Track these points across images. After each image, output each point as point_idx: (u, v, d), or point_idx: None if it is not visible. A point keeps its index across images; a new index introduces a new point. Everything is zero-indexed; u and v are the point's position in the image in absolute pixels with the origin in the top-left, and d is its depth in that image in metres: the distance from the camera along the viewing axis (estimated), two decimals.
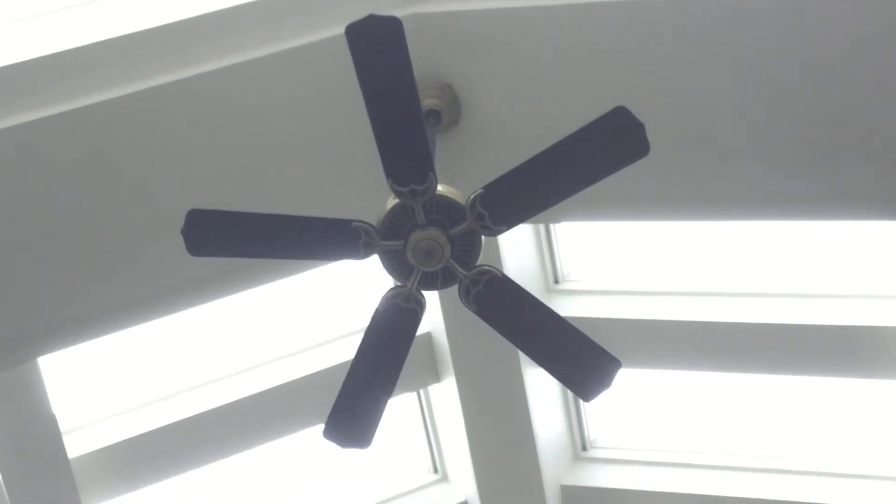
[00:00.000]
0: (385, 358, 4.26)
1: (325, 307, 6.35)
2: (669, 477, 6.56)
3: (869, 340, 5.71)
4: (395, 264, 4.19)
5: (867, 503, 6.14)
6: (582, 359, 4.27)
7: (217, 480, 6.54)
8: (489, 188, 4.02)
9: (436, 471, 6.91)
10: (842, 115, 4.77)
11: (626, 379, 6.31)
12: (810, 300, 5.86)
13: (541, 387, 6.32)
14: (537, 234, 6.11)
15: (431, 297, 5.91)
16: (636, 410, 6.73)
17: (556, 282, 6.27)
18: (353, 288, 6.30)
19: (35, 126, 4.79)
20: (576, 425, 6.69)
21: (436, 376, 6.37)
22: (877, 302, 5.74)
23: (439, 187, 4.05)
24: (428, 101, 5.02)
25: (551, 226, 6.08)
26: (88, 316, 5.29)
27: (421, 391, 6.62)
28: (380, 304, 4.22)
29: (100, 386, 6.15)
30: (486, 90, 5.10)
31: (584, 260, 6.27)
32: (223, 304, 5.74)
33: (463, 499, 6.73)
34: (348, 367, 4.36)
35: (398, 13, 4.11)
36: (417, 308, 4.22)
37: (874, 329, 5.66)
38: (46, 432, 5.70)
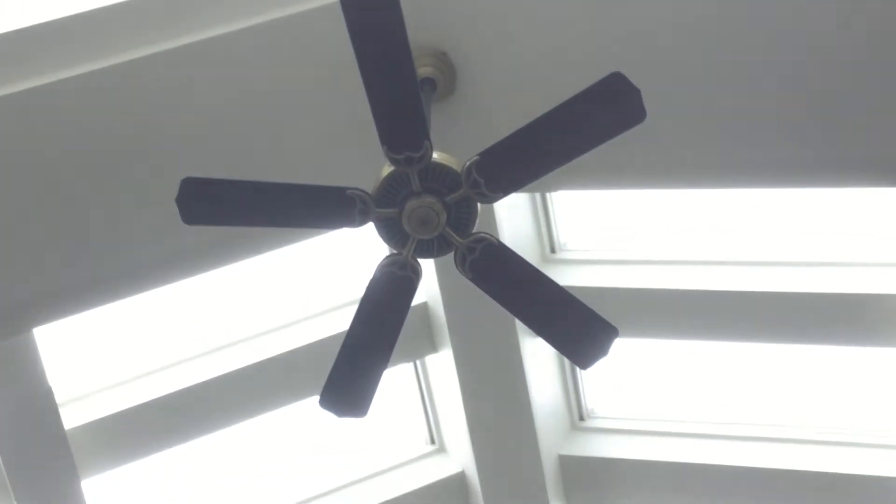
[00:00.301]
0: (381, 326, 4.25)
1: (321, 277, 6.34)
2: (667, 447, 6.57)
3: (869, 308, 5.72)
4: (390, 232, 4.17)
5: (865, 471, 6.14)
6: (579, 327, 4.26)
7: (213, 451, 6.54)
8: (484, 155, 4.00)
9: (433, 441, 6.91)
10: (844, 82, 4.76)
11: (623, 349, 6.32)
12: (809, 268, 5.86)
13: (538, 357, 6.31)
14: (534, 203, 6.09)
15: (428, 268, 5.90)
16: (633, 380, 6.72)
17: (553, 251, 6.26)
18: (350, 258, 6.28)
19: (30, 95, 4.77)
20: (573, 395, 6.69)
21: (432, 346, 6.36)
22: (877, 270, 5.73)
23: (435, 154, 4.03)
24: (423, 70, 5.00)
25: (548, 195, 6.06)
26: (84, 286, 5.28)
27: (418, 362, 6.61)
28: (375, 272, 4.21)
29: (96, 357, 6.14)
30: (481, 58, 5.08)
31: (580, 229, 6.26)
32: (219, 274, 5.72)
33: (460, 469, 6.73)
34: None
35: None
36: (413, 276, 4.21)
37: (874, 297, 5.67)
38: (43, 404, 5.69)
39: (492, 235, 4.17)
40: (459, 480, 6.75)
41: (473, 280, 4.21)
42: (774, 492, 6.33)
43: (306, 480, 6.77)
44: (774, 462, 6.30)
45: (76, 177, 5.02)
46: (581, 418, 6.78)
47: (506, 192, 4.06)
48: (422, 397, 6.76)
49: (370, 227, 4.19)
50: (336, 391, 4.40)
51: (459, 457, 6.74)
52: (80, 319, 5.61)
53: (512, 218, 5.92)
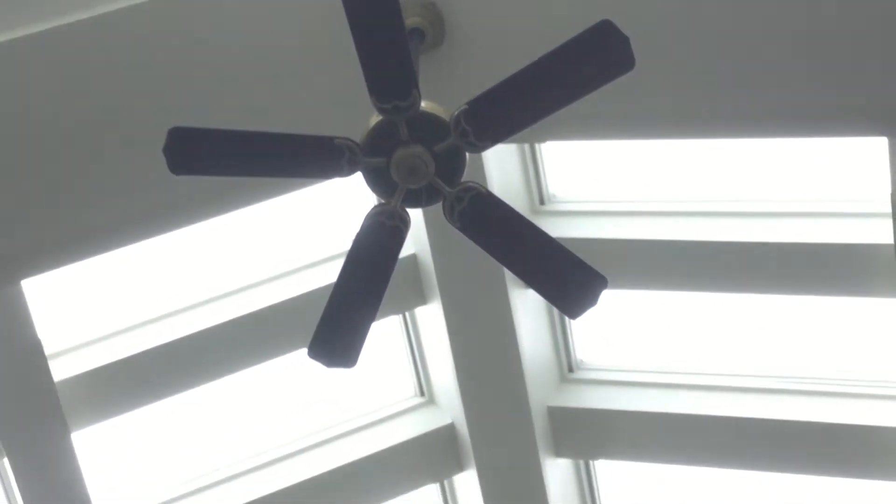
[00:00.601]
0: (370, 276, 4.24)
1: (310, 229, 6.34)
2: (656, 398, 6.58)
3: (858, 260, 5.72)
4: (378, 182, 4.16)
5: (857, 421, 6.17)
6: (568, 276, 4.26)
7: (202, 403, 6.55)
8: (473, 104, 3.99)
9: (422, 393, 6.92)
10: (828, 30, 4.74)
11: (612, 300, 6.32)
12: (802, 218, 5.86)
13: (527, 308, 6.31)
14: (522, 155, 6.08)
15: (417, 220, 5.89)
16: (623, 332, 6.73)
17: (542, 203, 6.25)
18: (338, 210, 6.28)
19: (18, 43, 4.75)
20: (562, 347, 6.69)
21: (422, 298, 6.36)
22: (866, 221, 5.73)
23: (423, 104, 4.02)
24: (412, 21, 4.96)
25: (537, 146, 6.05)
26: (72, 238, 5.27)
27: (407, 314, 6.61)
28: (363, 222, 4.20)
29: (85, 310, 6.14)
30: (469, 8, 5.05)
31: (569, 181, 6.25)
32: (208, 226, 5.71)
33: (449, 421, 6.75)
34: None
35: None
36: (402, 225, 4.20)
37: (863, 247, 5.68)
38: (32, 357, 5.69)
39: (480, 185, 4.16)
40: (449, 432, 6.77)
41: (462, 230, 4.21)
42: (765, 442, 6.36)
43: (295, 433, 6.78)
44: (765, 412, 6.31)
45: (64, 128, 5.00)
46: (570, 370, 6.78)
47: (494, 142, 4.06)
48: (411, 349, 6.77)
49: (358, 178, 4.19)
50: (325, 341, 4.40)
51: (449, 409, 6.75)
52: (68, 271, 5.60)
53: (501, 170, 5.90)
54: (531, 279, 4.30)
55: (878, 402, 6.22)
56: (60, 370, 5.90)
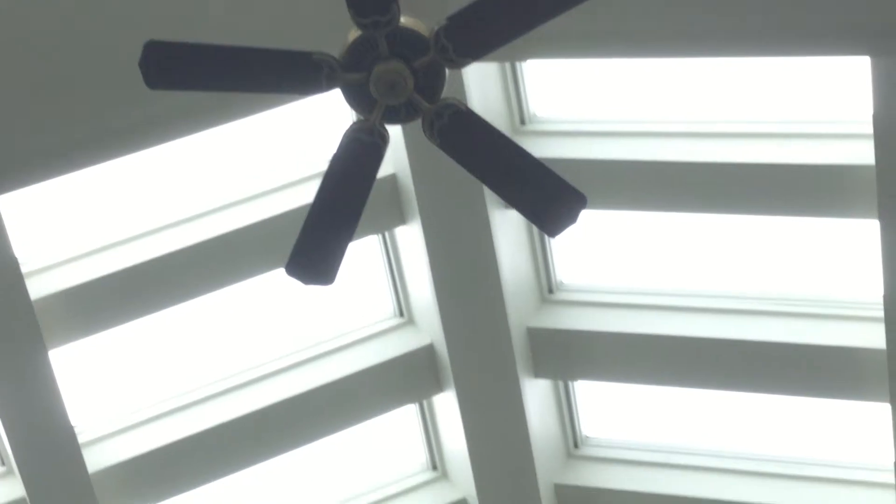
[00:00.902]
0: (349, 192, 4.22)
1: (288, 149, 6.31)
2: (636, 319, 6.59)
3: (838, 181, 5.73)
4: (357, 98, 4.12)
5: (831, 341, 6.20)
6: (548, 193, 4.24)
7: (181, 323, 6.54)
8: (452, 19, 3.95)
9: (401, 314, 6.91)
10: None
11: (593, 221, 6.32)
12: (780, 140, 5.85)
13: (508, 228, 6.30)
14: (503, 74, 6.04)
15: (397, 140, 5.85)
16: (603, 253, 6.73)
17: (523, 123, 6.22)
18: (317, 131, 6.25)
19: None
20: (542, 268, 6.69)
21: (401, 218, 6.34)
22: (848, 142, 5.72)
23: (402, 19, 3.97)
24: None
25: (518, 65, 6.01)
26: (49, 154, 5.24)
27: (386, 234, 6.58)
28: (343, 138, 4.17)
29: (62, 227, 6.11)
30: None
31: (551, 100, 6.22)
32: (186, 144, 5.67)
33: (428, 341, 6.75)
34: None
35: None
36: (380, 142, 4.17)
37: (844, 168, 5.68)
38: (8, 274, 5.66)
39: (460, 101, 4.13)
40: (428, 353, 6.78)
41: (441, 146, 4.18)
42: (743, 362, 6.39)
43: (274, 353, 6.78)
44: (744, 333, 6.34)
45: (42, 40, 4.95)
46: (550, 291, 6.78)
47: (474, 58, 4.02)
48: (390, 270, 6.76)
49: (337, 94, 4.15)
50: (303, 258, 4.38)
51: (428, 329, 6.75)
52: (45, 188, 5.57)
53: (482, 89, 5.87)
54: (510, 197, 4.27)
55: (855, 323, 6.24)
56: (37, 288, 5.88)
